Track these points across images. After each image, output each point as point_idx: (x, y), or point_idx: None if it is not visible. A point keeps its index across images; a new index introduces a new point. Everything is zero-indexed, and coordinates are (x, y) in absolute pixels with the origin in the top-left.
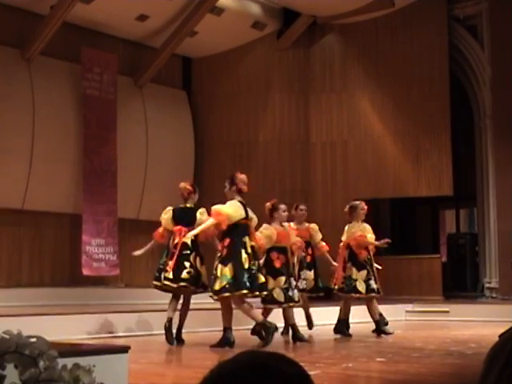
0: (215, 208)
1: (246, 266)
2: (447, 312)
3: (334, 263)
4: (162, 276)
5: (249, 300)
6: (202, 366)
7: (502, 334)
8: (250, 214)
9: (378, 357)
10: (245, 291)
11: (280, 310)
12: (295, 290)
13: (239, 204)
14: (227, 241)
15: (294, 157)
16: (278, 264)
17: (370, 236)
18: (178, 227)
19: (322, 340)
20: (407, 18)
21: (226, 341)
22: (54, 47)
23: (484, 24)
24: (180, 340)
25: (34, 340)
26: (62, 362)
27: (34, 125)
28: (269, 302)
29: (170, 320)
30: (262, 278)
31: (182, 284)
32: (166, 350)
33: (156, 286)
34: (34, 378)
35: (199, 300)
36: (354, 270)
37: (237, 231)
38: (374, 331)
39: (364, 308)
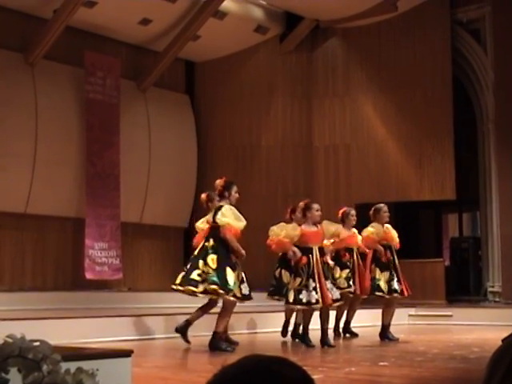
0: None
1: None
2: (450, 316)
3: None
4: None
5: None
6: (206, 370)
7: (505, 338)
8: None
9: (381, 361)
10: None
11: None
12: (313, 293)
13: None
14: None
15: (297, 160)
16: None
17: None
18: None
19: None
20: (410, 22)
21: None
22: (57, 51)
23: (487, 28)
24: (184, 334)
25: (37, 344)
26: (66, 366)
27: (36, 129)
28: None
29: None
30: None
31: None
32: (169, 354)
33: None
34: (37, 381)
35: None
36: (377, 270)
37: None
38: (379, 335)
39: (368, 311)
